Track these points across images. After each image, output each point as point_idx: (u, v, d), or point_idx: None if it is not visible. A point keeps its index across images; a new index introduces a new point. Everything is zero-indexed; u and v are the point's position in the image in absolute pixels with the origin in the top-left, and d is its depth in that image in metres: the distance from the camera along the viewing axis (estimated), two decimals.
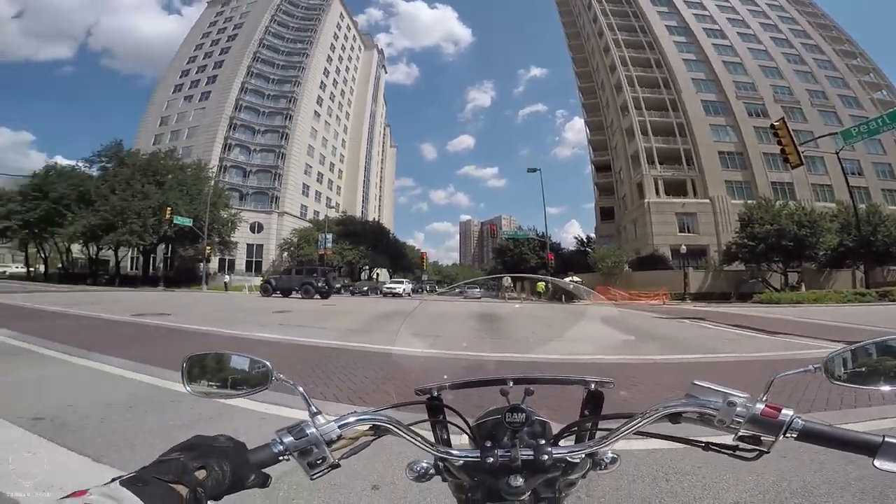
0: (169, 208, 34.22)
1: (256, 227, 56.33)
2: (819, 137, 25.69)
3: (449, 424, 0.88)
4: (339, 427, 0.70)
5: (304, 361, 6.06)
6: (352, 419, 0.72)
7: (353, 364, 5.80)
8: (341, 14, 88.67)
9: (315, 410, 0.71)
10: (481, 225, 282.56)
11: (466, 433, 0.83)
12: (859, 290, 23.13)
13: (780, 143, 16.62)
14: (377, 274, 65.34)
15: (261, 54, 68.04)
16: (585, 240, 50.03)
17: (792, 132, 16.98)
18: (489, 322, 13.45)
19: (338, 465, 0.70)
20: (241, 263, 54.12)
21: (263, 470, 0.65)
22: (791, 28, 57.27)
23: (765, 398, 0.68)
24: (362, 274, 61.10)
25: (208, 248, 37.85)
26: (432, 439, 0.86)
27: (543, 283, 37.72)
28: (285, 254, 55.58)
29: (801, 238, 29.11)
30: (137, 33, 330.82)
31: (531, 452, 0.69)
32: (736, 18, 56.65)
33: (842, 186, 33.41)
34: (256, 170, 60.30)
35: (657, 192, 44.93)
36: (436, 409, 0.89)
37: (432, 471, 0.77)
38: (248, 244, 55.11)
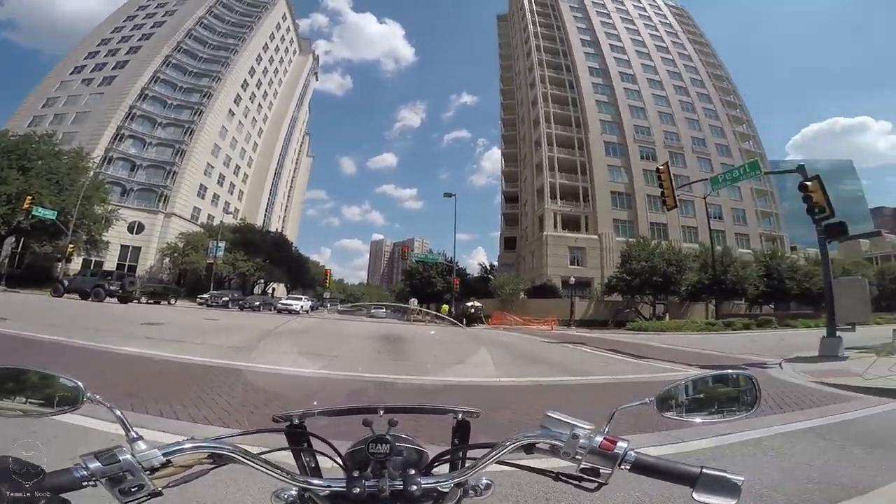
0: (30, 197, 29.09)
1: (136, 228, 49.74)
2: (692, 183, 29.42)
3: (323, 453, 0.87)
4: (165, 454, 0.65)
5: (174, 380, 5.46)
6: (183, 446, 0.67)
7: (233, 385, 5.36)
8: (284, 15, 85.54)
9: (135, 435, 0.65)
10: (394, 245, 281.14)
11: (337, 462, 0.83)
12: (710, 321, 27.51)
13: (661, 185, 17.86)
14: (273, 288, 61.18)
15: (185, 45, 63.58)
16: (489, 267, 52.29)
17: (672, 176, 18.22)
18: (392, 343, 13.33)
19: (159, 494, 0.64)
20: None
21: (63, 495, 0.60)
22: (692, 77, 63.46)
23: (606, 430, 0.72)
24: (256, 287, 56.73)
25: (71, 245, 32.38)
26: (297, 468, 0.85)
27: (447, 307, 38.86)
28: (167, 259, 49.46)
29: (668, 275, 33.70)
30: (53, 8, 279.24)
31: (401, 483, 0.69)
32: (648, 64, 62.11)
33: (705, 229, 39.67)
34: (148, 165, 53.87)
35: (555, 226, 48.58)
36: (298, 437, 0.88)
37: (298, 501, 0.76)
38: (122, 245, 48.34)
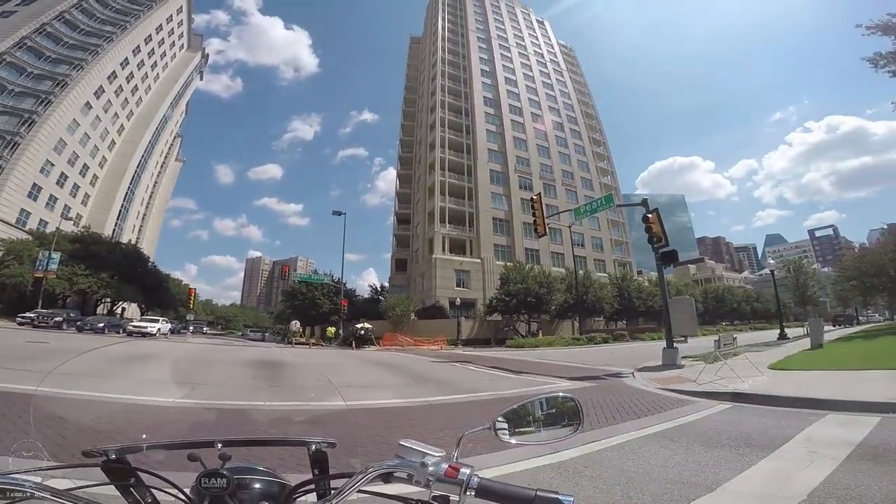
0: None
1: None
2: (560, 213, 32.64)
3: (161, 489, 0.80)
4: None
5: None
6: None
7: (65, 415, 4.26)
8: (180, 7, 76.81)
9: None
10: (273, 264, 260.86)
11: (179, 498, 0.77)
12: (576, 336, 30.91)
13: (534, 214, 19.01)
14: (123, 308, 52.00)
15: (50, 27, 54.42)
16: (380, 288, 51.58)
17: (544, 206, 19.33)
18: (269, 369, 12.21)
19: None
20: None
21: None
22: (568, 114, 68.92)
23: (455, 456, 0.74)
24: (100, 307, 47.61)
25: None
26: None
27: (333, 329, 37.10)
28: None
29: (540, 295, 36.86)
30: None
31: None
32: (534, 99, 66.18)
33: (570, 255, 44.34)
34: None
35: (443, 249, 49.81)
36: (122, 473, 0.80)
37: None
38: None
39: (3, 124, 47.25)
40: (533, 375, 11.71)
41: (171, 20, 75.98)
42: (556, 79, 74.76)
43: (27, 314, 27.92)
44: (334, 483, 0.83)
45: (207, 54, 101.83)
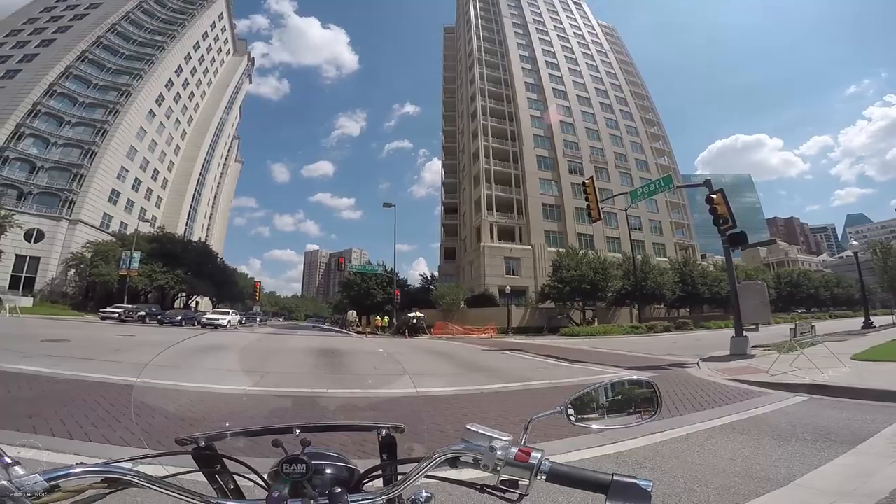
0: None
1: (35, 236, 43.76)
2: (615, 196, 31.57)
3: (242, 475, 0.82)
4: (48, 480, 0.61)
5: (83, 400, 4.79)
6: (68, 471, 0.63)
7: (147, 404, 4.79)
8: (221, 14, 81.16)
9: (9, 461, 0.63)
10: (330, 256, 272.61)
11: (258, 483, 0.79)
12: (634, 324, 29.64)
13: (587, 199, 18.65)
14: (197, 302, 56.67)
15: (106, 40, 58.47)
16: (430, 277, 52.41)
17: (597, 190, 19.07)
18: (329, 357, 12.81)
19: None
20: (3, 279, 40.96)
21: None
22: (616, 95, 66.46)
23: (523, 440, 0.73)
24: (177, 301, 52.18)
25: None
26: (212, 491, 0.81)
27: (388, 318, 38.24)
28: (72, 271, 44.05)
29: (596, 283, 35.71)
30: None
31: (326, 501, 0.68)
32: (579, 82, 64.37)
33: (626, 239, 42.58)
34: (51, 166, 47.91)
35: (492, 237, 49.63)
36: (209, 459, 0.83)
37: None
38: (18, 255, 42.38)
39: (80, 134, 51.42)
40: (589, 364, 11.46)
41: (215, 27, 79.63)
42: (601, 60, 71.70)
43: (108, 309, 30.92)
44: (401, 468, 0.85)
45: (253, 58, 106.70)
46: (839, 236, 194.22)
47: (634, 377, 0.94)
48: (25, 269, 43.06)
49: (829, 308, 55.50)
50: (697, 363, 10.49)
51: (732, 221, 13.07)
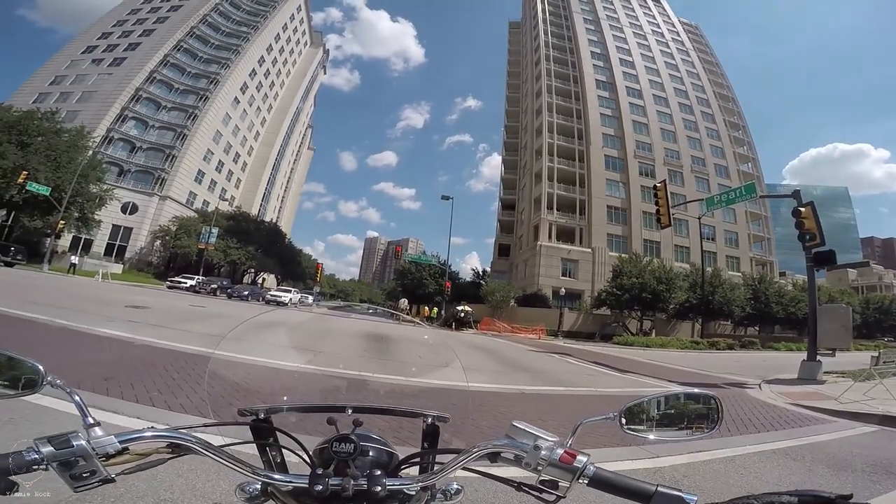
0: (25, 172, 29.20)
1: (130, 209, 49.29)
2: (688, 202, 29.56)
3: (290, 449, 0.88)
4: (122, 442, 0.65)
5: (153, 366, 5.40)
6: (139, 434, 0.67)
7: (213, 374, 5.32)
8: (299, 6, 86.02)
9: (92, 421, 0.66)
10: (388, 244, 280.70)
11: (304, 459, 0.84)
12: (695, 339, 27.75)
13: (657, 203, 17.60)
14: (263, 279, 60.81)
15: (198, 30, 64.18)
16: (481, 272, 52.27)
17: (669, 195, 17.89)
18: (378, 342, 13.29)
19: (112, 480, 0.65)
20: (100, 246, 46.60)
21: (12, 477, 0.61)
22: (698, 96, 63.14)
23: (569, 443, 0.72)
24: (246, 277, 56.27)
25: (61, 221, 32.23)
26: (260, 462, 0.86)
27: (436, 309, 38.81)
28: (158, 242, 49.08)
29: (658, 292, 33.92)
30: None
31: (365, 482, 0.69)
32: (655, 81, 61.69)
33: (697, 249, 39.89)
34: (148, 147, 53.67)
35: (549, 237, 48.61)
36: (264, 432, 0.89)
37: (262, 495, 0.76)
38: (114, 225, 47.96)
39: (174, 118, 56.76)
40: (639, 376, 11.02)
41: (294, 19, 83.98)
42: (682, 59, 67.34)
43: (176, 278, 33.71)
44: (441, 458, 0.86)
45: (328, 50, 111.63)
46: None
47: (695, 390, 0.90)
48: (119, 238, 48.65)
49: None
50: (759, 385, 9.76)
51: (821, 238, 11.87)
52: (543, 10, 66.91)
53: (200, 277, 35.55)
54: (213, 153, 61.55)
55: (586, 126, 54.63)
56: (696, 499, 0.63)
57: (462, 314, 32.27)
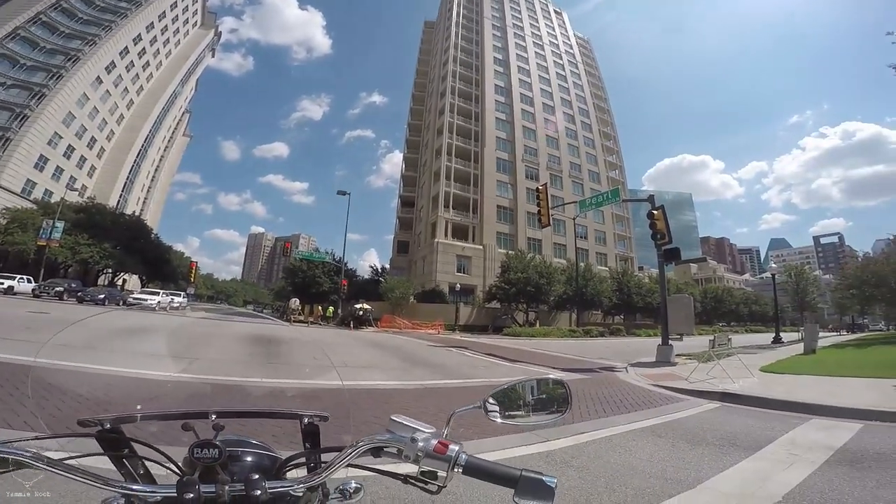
0: None
1: None
2: (565, 204, 32.70)
3: (153, 460, 0.81)
4: None
5: None
6: None
7: (63, 386, 4.38)
8: None
9: None
10: (275, 240, 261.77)
11: (172, 470, 0.77)
12: (573, 328, 31.07)
13: (539, 204, 19.12)
14: (124, 280, 52.44)
15: (66, 3, 55.15)
16: (380, 269, 51.75)
17: (550, 197, 19.47)
18: (266, 346, 12.34)
19: None
20: None
21: None
22: (580, 106, 68.46)
23: (444, 433, 0.75)
24: (102, 278, 47.98)
25: None
26: (121, 476, 0.79)
27: (332, 308, 37.31)
28: None
29: (540, 286, 36.97)
30: None
31: (242, 487, 0.66)
32: (546, 90, 65.74)
33: (572, 247, 44.19)
34: None
35: (446, 234, 49.84)
36: (116, 443, 0.80)
37: None
38: None
39: (14, 97, 47.78)
40: (527, 364, 11.85)
41: None
42: (571, 70, 73.77)
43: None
44: (325, 457, 0.85)
45: (220, 32, 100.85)
46: (762, 258, 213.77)
47: (548, 376, 0.98)
48: None
49: (746, 323, 60.92)
50: (626, 368, 11.16)
51: (669, 237, 13.99)
52: (458, 13, 68.12)
53: (25, 278, 28.89)
54: (61, 137, 52.18)
55: (483, 129, 56.97)
56: (555, 480, 0.68)
57: (361, 312, 31.48)
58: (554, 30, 78.15)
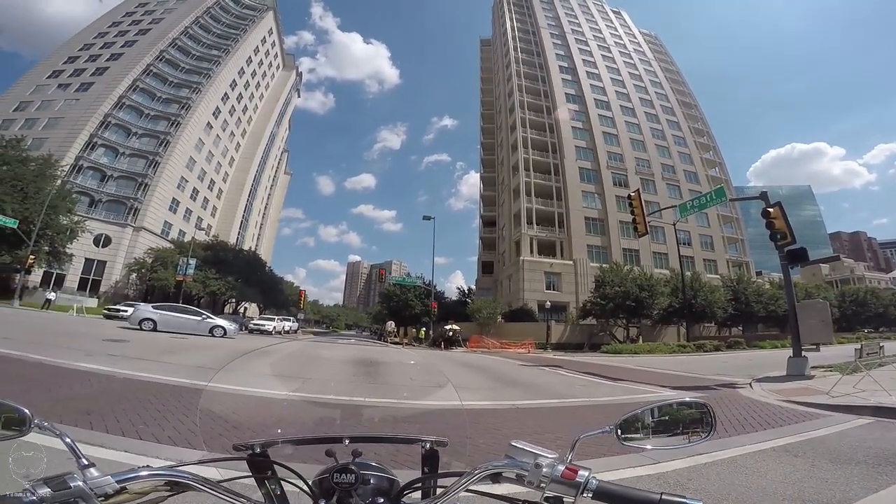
0: None
1: (103, 241, 47.64)
2: (662, 209, 30.26)
3: (289, 481, 0.85)
4: (119, 482, 0.65)
5: (135, 399, 5.15)
6: (136, 474, 0.68)
7: (204, 406, 5.10)
8: (271, 30, 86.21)
9: (86, 462, 0.66)
10: (371, 267, 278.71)
11: (304, 491, 0.81)
12: (682, 343, 28.08)
13: (632, 212, 18.04)
14: (245, 308, 59.31)
15: (168, 54, 62.89)
16: (467, 291, 52.19)
17: (643, 203, 18.41)
18: (367, 367, 13.04)
19: None
20: (73, 281, 44.79)
21: None
22: (662, 104, 65.01)
23: (569, 458, 0.74)
24: (227, 307, 54.91)
25: (32, 256, 30.84)
26: (262, 497, 0.83)
27: (424, 329, 38.47)
28: (134, 275, 47.47)
29: (641, 299, 34.32)
30: (36, 10, 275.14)
31: None
32: (622, 92, 63.31)
33: (675, 255, 40.68)
34: (119, 175, 52.03)
35: (531, 251, 48.89)
36: (262, 465, 0.86)
37: None
38: (87, 259, 46.18)
39: (145, 145, 55.12)
40: (631, 383, 11.01)
41: (265, 42, 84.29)
42: (644, 69, 69.89)
43: (115, 306, 28.73)
44: (442, 482, 0.86)
45: (301, 73, 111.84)
46: None
47: (687, 398, 0.93)
48: (93, 272, 46.84)
49: None
50: (750, 384, 9.84)
51: (791, 236, 12.27)
52: (512, 28, 68.57)
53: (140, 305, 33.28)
54: (187, 181, 60.18)
55: (559, 140, 55.60)
56: (700, 503, 0.63)
57: (451, 333, 32.14)
58: (617, 30, 75.06)
